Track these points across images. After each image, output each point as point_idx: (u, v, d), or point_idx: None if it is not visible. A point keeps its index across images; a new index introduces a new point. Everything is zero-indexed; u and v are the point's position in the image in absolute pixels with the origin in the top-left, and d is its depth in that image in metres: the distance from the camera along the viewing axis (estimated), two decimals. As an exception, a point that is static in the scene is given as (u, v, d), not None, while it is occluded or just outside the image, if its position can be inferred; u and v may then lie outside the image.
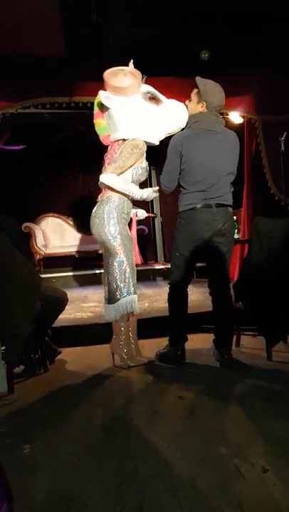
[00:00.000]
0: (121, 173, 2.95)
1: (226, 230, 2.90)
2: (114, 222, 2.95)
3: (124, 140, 3.03)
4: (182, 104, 3.08)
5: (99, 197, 3.08)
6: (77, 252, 7.99)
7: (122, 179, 2.96)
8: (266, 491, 1.50)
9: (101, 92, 3.03)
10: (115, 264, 2.97)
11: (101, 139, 3.19)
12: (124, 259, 2.97)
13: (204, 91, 2.94)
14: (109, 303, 3.02)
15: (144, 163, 3.08)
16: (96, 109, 3.19)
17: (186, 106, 3.06)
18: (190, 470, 1.65)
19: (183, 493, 1.51)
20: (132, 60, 3.16)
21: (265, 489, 1.51)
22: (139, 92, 3.06)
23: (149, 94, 3.08)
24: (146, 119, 3.03)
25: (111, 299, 3.00)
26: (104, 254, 3.06)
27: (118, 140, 3.06)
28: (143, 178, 3.09)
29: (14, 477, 1.68)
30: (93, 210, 3.04)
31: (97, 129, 3.21)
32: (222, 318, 2.95)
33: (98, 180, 3.00)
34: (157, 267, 7.57)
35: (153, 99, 3.09)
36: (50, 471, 1.72)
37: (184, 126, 3.05)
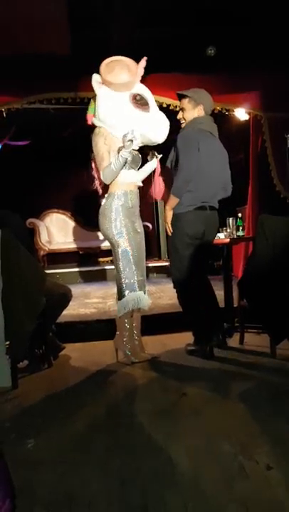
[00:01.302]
0: (106, 165, 2.89)
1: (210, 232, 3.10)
2: (118, 217, 2.94)
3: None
4: (167, 121, 3.05)
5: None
6: (81, 248, 7.98)
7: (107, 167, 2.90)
8: (270, 489, 1.49)
9: (94, 75, 3.01)
10: (121, 259, 2.96)
11: (86, 116, 3.11)
12: (129, 254, 2.96)
13: (197, 96, 3.04)
14: (118, 299, 3.02)
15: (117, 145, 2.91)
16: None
17: (181, 118, 3.10)
18: (194, 467, 1.64)
19: (186, 490, 1.51)
20: (145, 58, 3.08)
21: (270, 487, 1.50)
22: (130, 89, 2.97)
23: (138, 97, 2.97)
24: (122, 119, 2.92)
25: (119, 295, 3.01)
26: (112, 251, 3.05)
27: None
28: (130, 158, 2.91)
29: (17, 473, 1.67)
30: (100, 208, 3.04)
31: (89, 106, 3.14)
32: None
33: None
34: (161, 263, 7.55)
35: (140, 103, 2.96)
36: (54, 467, 1.72)
37: (157, 142, 3.05)
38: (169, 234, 3.08)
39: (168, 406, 2.26)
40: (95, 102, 3.05)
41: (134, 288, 2.98)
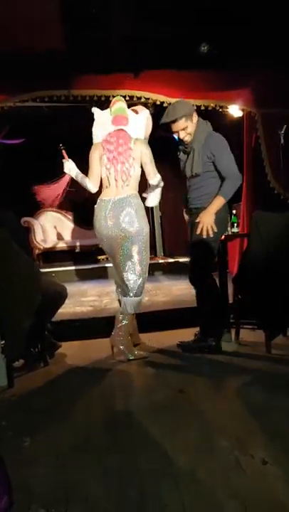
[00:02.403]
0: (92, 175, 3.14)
1: None
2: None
3: None
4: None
5: None
6: (77, 246, 7.97)
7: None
8: (266, 483, 1.50)
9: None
10: (145, 258, 3.13)
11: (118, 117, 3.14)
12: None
13: (184, 109, 3.02)
14: (131, 296, 3.10)
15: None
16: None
17: (185, 136, 3.07)
18: (190, 462, 1.65)
19: (183, 485, 1.52)
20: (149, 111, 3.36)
21: (265, 481, 1.51)
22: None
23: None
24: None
25: (132, 292, 3.09)
26: (135, 249, 3.05)
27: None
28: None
29: (15, 470, 1.67)
30: None
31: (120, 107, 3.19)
32: None
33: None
34: (157, 261, 7.55)
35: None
36: (51, 464, 1.72)
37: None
38: (210, 235, 2.96)
39: (165, 403, 2.27)
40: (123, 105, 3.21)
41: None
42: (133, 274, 3.04)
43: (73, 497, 1.50)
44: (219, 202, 2.97)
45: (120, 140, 3.04)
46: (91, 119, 3.44)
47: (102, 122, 3.20)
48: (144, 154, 3.05)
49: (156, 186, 3.18)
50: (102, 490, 1.53)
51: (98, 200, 3.12)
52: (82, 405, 2.32)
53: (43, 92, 5.00)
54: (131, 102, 5.34)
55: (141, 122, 3.18)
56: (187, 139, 3.07)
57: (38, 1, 3.76)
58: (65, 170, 3.29)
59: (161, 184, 3.20)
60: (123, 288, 3.09)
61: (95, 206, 3.13)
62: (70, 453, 1.80)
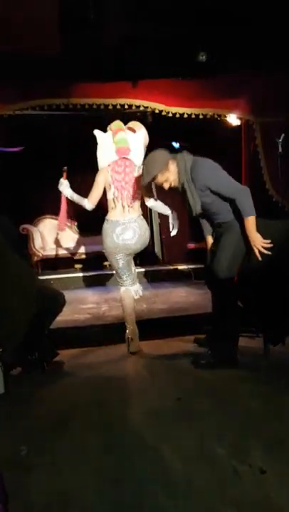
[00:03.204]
0: (92, 196, 3.48)
1: None
2: None
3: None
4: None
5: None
6: (75, 254, 7.97)
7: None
8: (263, 492, 1.49)
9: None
10: None
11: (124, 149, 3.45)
12: None
13: (159, 164, 2.95)
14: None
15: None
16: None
17: (170, 183, 3.01)
18: (187, 470, 1.65)
19: (180, 493, 1.51)
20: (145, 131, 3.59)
21: (262, 490, 1.51)
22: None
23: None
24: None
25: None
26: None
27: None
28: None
29: (11, 478, 1.67)
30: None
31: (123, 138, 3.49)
32: None
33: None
34: (155, 268, 7.55)
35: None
36: (48, 472, 1.71)
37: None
38: (269, 247, 2.87)
39: (162, 410, 2.26)
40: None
41: None
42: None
43: (70, 505, 1.49)
44: (251, 222, 2.88)
45: (127, 169, 3.43)
46: (89, 127, 3.68)
47: (105, 145, 3.51)
48: None
49: (160, 205, 3.64)
50: (99, 497, 1.52)
51: (106, 220, 3.49)
52: (79, 413, 2.31)
53: (43, 100, 5.03)
54: (130, 111, 5.41)
55: (140, 142, 3.50)
56: (174, 184, 3.01)
57: (35, 6, 3.78)
58: (60, 187, 3.66)
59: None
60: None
61: (104, 225, 3.49)
62: (67, 460, 1.79)
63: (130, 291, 3.54)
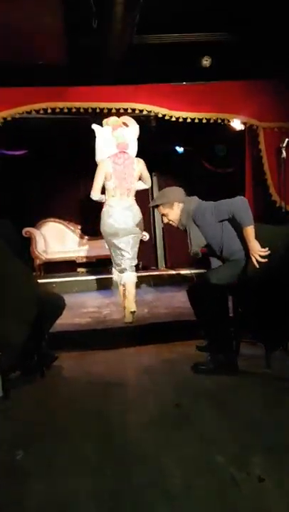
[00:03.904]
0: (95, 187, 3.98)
1: None
2: None
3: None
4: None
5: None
6: (78, 257, 7.96)
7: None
8: (262, 501, 1.47)
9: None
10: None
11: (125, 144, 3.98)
12: None
13: (166, 197, 3.08)
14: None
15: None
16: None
17: (168, 222, 3.13)
18: (185, 479, 1.62)
19: (178, 502, 1.49)
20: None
21: (261, 499, 1.48)
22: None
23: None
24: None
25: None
26: (136, 239, 4.12)
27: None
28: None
29: (7, 484, 1.66)
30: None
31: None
32: None
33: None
34: (158, 273, 7.53)
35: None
36: (44, 478, 1.69)
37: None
38: (266, 255, 2.87)
39: (161, 417, 2.23)
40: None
41: None
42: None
43: (65, 511, 1.47)
44: (250, 231, 2.88)
45: (126, 161, 3.96)
46: (91, 130, 3.98)
47: (104, 137, 3.97)
48: (142, 170, 4.08)
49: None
50: (95, 505, 1.50)
51: (107, 206, 3.99)
52: (78, 418, 2.29)
53: (46, 103, 5.03)
54: (133, 115, 5.40)
55: (134, 136, 4.05)
56: (172, 223, 3.12)
57: (39, 12, 3.79)
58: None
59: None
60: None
61: (104, 209, 4.02)
62: (64, 467, 1.77)
63: (130, 275, 4.04)
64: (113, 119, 4.09)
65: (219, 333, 2.98)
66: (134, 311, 3.98)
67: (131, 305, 3.98)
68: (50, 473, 1.73)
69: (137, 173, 4.00)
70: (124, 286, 4.08)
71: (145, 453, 1.85)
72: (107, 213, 3.95)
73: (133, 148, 4.03)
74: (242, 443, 1.89)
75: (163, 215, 3.14)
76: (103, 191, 4.04)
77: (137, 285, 4.37)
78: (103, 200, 4.06)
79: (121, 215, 3.94)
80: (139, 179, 4.10)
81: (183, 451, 1.84)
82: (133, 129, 4.08)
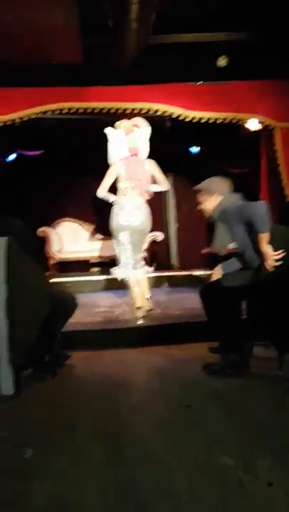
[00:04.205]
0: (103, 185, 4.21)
1: None
2: None
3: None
4: None
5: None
6: (92, 257, 7.99)
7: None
8: (269, 506, 1.45)
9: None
10: None
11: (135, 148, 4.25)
12: None
13: (207, 186, 3.12)
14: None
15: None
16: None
17: (201, 210, 3.19)
18: (191, 480, 1.61)
19: (182, 504, 1.47)
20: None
21: (268, 503, 1.46)
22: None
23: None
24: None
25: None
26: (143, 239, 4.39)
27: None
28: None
29: (12, 482, 1.66)
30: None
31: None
32: None
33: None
34: (171, 273, 7.51)
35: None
36: (50, 477, 1.69)
37: None
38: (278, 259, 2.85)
39: (170, 417, 2.22)
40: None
41: None
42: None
43: (70, 511, 1.47)
44: (263, 238, 2.84)
45: (138, 163, 4.20)
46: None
47: (116, 141, 4.21)
48: (154, 171, 4.24)
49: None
50: (100, 505, 1.49)
51: (118, 204, 4.17)
52: (87, 418, 2.28)
53: (62, 103, 5.04)
54: (148, 115, 5.41)
55: (145, 138, 4.25)
56: (204, 212, 3.18)
57: (54, 12, 3.81)
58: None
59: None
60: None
61: (114, 207, 4.19)
62: (70, 467, 1.77)
63: (133, 273, 4.19)
64: (126, 123, 4.25)
65: (230, 334, 2.96)
66: (140, 307, 4.12)
67: (136, 301, 4.17)
68: (56, 472, 1.72)
69: (149, 175, 4.21)
70: (126, 282, 4.28)
71: (151, 453, 1.83)
72: (117, 210, 4.15)
73: (145, 149, 4.24)
74: (250, 445, 1.87)
75: (200, 201, 3.18)
76: (111, 191, 4.25)
77: (154, 285, 4.80)
78: (110, 200, 4.24)
79: (130, 213, 4.12)
80: (154, 182, 4.27)
81: (189, 453, 1.82)
82: (145, 130, 4.25)
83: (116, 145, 4.21)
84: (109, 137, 4.26)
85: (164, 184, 4.28)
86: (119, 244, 4.22)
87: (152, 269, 4.41)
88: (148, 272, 4.37)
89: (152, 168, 4.22)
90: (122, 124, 4.25)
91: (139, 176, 4.13)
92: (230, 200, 3.09)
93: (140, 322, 4.05)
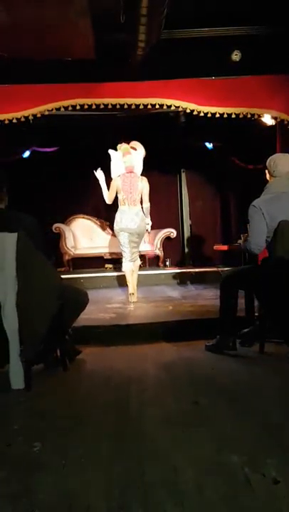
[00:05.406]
0: (108, 196, 5.29)
1: None
2: None
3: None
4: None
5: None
6: (106, 253, 8.02)
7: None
8: (275, 504, 1.43)
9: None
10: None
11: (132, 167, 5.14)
12: None
13: (269, 164, 3.19)
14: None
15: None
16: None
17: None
18: (198, 478, 1.60)
19: (188, 501, 1.47)
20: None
21: (275, 502, 1.44)
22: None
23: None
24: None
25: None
26: (139, 240, 5.29)
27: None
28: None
29: (20, 475, 1.68)
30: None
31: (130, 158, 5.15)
32: None
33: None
34: (184, 270, 7.48)
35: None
36: (57, 471, 1.70)
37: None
38: None
39: (178, 414, 2.22)
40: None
41: None
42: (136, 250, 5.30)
43: (75, 505, 1.48)
44: None
45: (132, 180, 5.10)
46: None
47: (116, 161, 5.16)
48: (144, 188, 5.15)
49: (147, 209, 5.23)
50: (105, 500, 1.50)
51: (119, 211, 5.17)
52: (96, 413, 2.29)
53: (74, 100, 5.05)
54: (162, 111, 5.40)
55: (140, 158, 5.19)
56: None
57: (66, 8, 3.80)
58: (97, 174, 5.32)
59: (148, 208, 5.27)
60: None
61: (117, 213, 5.19)
62: (78, 461, 1.78)
63: (129, 264, 5.16)
64: (124, 146, 5.12)
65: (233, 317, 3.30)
66: (132, 293, 5.17)
67: (129, 288, 5.23)
68: (64, 466, 1.73)
69: (140, 188, 5.11)
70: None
71: (159, 449, 1.83)
72: (119, 216, 5.12)
73: (139, 168, 5.19)
74: (258, 443, 1.85)
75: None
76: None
77: (177, 282, 6.30)
78: None
79: (129, 219, 5.06)
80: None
81: (197, 450, 1.82)
82: (140, 153, 5.18)
83: (116, 164, 5.14)
84: (111, 157, 5.19)
85: (145, 203, 5.18)
86: (120, 243, 5.20)
87: (141, 262, 5.59)
88: (138, 265, 5.45)
89: (143, 185, 5.13)
90: (122, 147, 5.13)
91: (131, 190, 5.06)
92: (276, 186, 3.11)
93: (132, 306, 4.97)
